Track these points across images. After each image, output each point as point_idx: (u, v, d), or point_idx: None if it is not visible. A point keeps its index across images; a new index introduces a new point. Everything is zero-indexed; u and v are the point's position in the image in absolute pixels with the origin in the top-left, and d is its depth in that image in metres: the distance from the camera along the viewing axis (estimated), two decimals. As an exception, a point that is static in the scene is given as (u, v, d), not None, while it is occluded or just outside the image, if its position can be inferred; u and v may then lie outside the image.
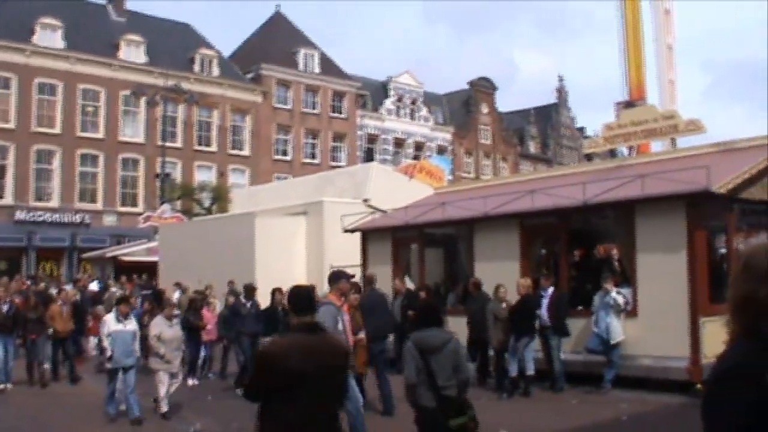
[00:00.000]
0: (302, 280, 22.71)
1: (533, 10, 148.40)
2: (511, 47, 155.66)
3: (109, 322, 13.97)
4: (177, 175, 53.94)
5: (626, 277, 16.84)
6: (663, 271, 15.74)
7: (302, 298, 5.76)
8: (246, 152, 59.08)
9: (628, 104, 49.00)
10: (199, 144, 56.78)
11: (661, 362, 15.47)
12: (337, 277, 11.19)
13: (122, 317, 13.86)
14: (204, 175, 55.75)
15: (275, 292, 17.46)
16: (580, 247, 20.12)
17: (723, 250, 17.35)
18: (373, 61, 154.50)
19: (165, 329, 14.37)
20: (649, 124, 22.69)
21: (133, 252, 43.58)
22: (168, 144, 49.11)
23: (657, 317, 15.68)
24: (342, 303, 11.22)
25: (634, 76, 56.10)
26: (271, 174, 58.21)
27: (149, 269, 36.40)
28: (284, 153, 61.58)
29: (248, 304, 18.76)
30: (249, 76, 60.73)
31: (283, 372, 5.19)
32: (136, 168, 53.57)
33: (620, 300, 15.82)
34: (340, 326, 10.55)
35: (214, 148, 57.38)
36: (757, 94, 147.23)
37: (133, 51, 54.30)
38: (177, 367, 14.73)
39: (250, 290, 19.13)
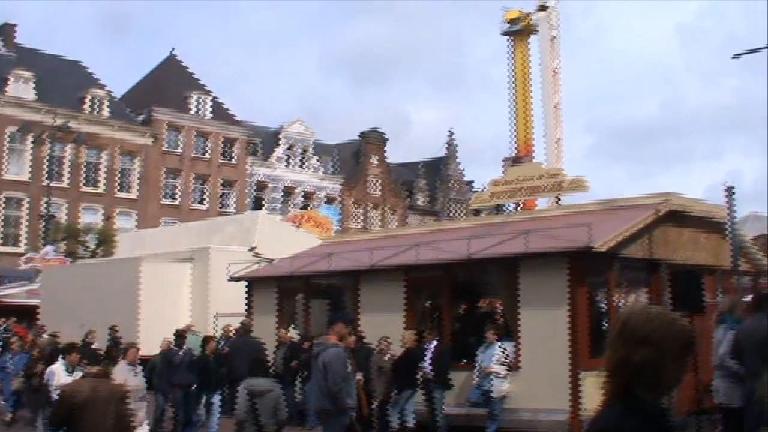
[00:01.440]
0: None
1: (429, 67, 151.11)
2: (405, 101, 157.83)
3: (59, 373, 12.57)
4: (62, 216, 52.63)
5: (509, 331, 17.08)
6: (545, 325, 16.04)
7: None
8: (134, 195, 58.14)
9: (516, 160, 50.13)
10: (86, 185, 55.63)
11: (542, 415, 15.70)
12: (334, 319, 11.08)
13: (71, 368, 12.43)
14: (90, 217, 54.53)
15: (207, 340, 17.11)
16: (464, 300, 20.34)
17: (603, 306, 17.81)
18: (267, 108, 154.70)
19: (129, 377, 12.66)
20: (534, 181, 23.15)
21: (12, 294, 42.18)
22: (54, 184, 47.87)
23: (538, 371, 15.94)
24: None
25: (522, 133, 57.44)
26: (158, 218, 57.41)
27: (29, 312, 35.30)
28: (173, 197, 60.84)
29: (180, 352, 17.08)
30: (140, 118, 59.99)
31: (72, 407, 7.28)
32: (20, 207, 52.16)
33: (503, 353, 16.03)
34: (349, 368, 10.54)
35: (101, 189, 56.30)
36: (635, 155, 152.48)
37: (21, 87, 53.09)
38: (142, 419, 12.72)
39: (181, 336, 17.59)
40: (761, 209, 37.26)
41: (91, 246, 47.26)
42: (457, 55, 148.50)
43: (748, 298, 13.71)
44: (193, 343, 19.05)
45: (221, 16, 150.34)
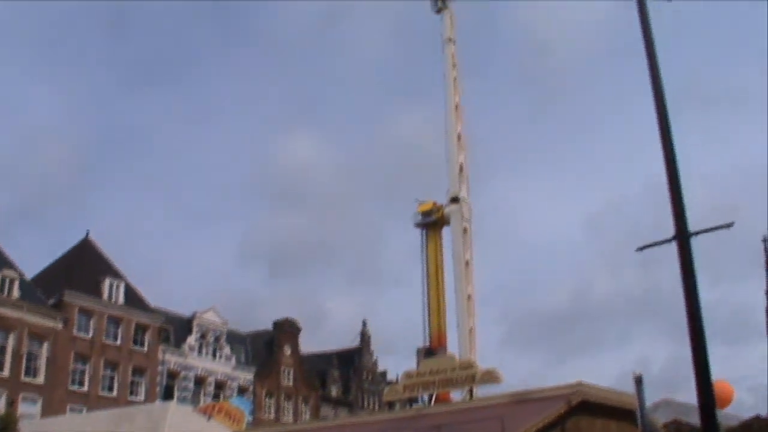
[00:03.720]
0: None
1: (345, 260, 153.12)
2: (320, 292, 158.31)
3: None
4: (-38, 400, 50.67)
5: None
6: None
7: None
8: (40, 380, 56.29)
9: (429, 351, 50.17)
10: (-9, 368, 53.88)
11: None
12: None
13: None
14: (-9, 403, 52.54)
15: None
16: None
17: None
18: (181, 296, 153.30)
19: None
20: (447, 373, 23.46)
21: None
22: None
23: None
24: None
25: (435, 323, 57.63)
26: (65, 405, 55.61)
27: None
28: (81, 383, 59.08)
29: None
30: (51, 301, 58.93)
31: None
32: None
33: None
34: None
35: (5, 373, 54.45)
36: (548, 344, 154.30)
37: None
38: None
39: None
40: (671, 395, 38.00)
41: (-9, 434, 45.45)
42: (373, 249, 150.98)
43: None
44: None
45: (138, 200, 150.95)
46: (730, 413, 30.68)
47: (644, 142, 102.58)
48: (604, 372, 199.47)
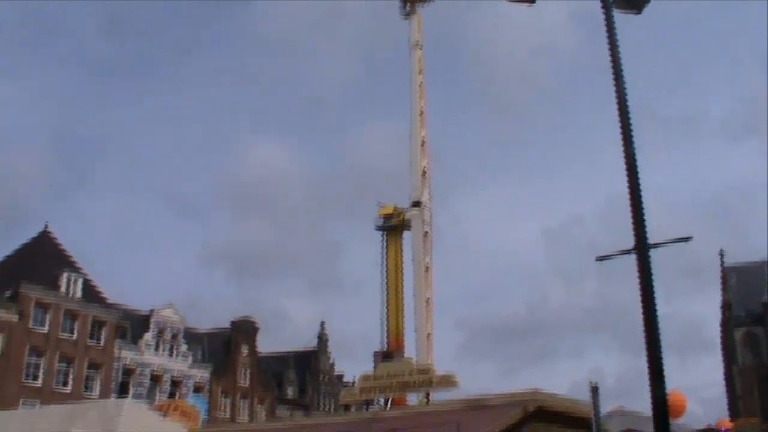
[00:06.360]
0: None
1: (307, 266, 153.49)
2: (281, 295, 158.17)
3: None
4: None
5: None
6: None
7: None
8: (-7, 373, 55.62)
9: (386, 355, 50.33)
10: (-59, 361, 53.18)
11: None
12: None
13: None
14: (-59, 396, 51.85)
15: None
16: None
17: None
18: (141, 292, 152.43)
19: None
20: (404, 377, 23.50)
21: None
22: None
23: None
24: None
25: (393, 327, 57.82)
26: (18, 399, 54.92)
27: None
28: (35, 377, 58.41)
29: None
30: (7, 293, 58.20)
31: None
32: None
33: None
34: None
35: (-43, 366, 53.84)
36: (504, 352, 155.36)
37: None
38: None
39: None
40: (625, 405, 38.40)
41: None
42: (335, 258, 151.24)
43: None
44: None
45: (101, 197, 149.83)
46: (681, 424, 31.05)
47: (605, 161, 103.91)
48: (558, 382, 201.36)
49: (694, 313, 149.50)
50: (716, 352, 79.73)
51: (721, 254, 78.80)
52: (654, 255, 11.49)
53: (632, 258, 11.56)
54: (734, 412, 67.73)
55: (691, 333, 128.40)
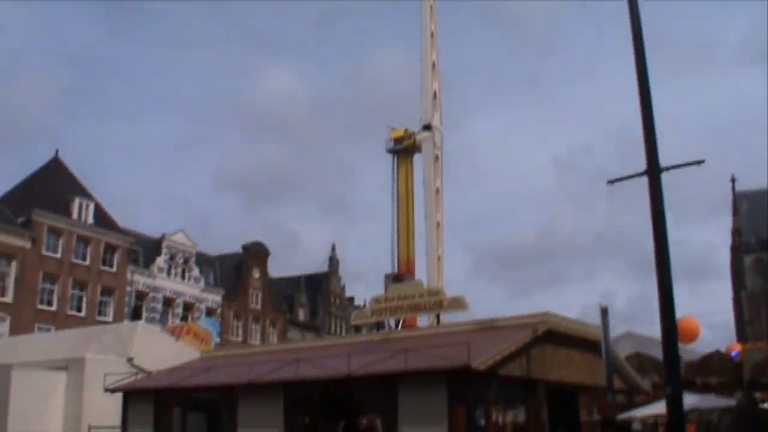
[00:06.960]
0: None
1: (319, 190, 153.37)
2: (293, 219, 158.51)
3: None
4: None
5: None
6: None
7: None
8: (8, 299, 56.11)
9: (397, 277, 50.53)
10: (-43, 286, 53.72)
11: None
12: None
13: None
14: (-40, 321, 52.49)
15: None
16: (343, 417, 20.40)
17: (482, 422, 18.09)
18: (153, 218, 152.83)
19: None
20: (415, 299, 23.63)
21: None
22: None
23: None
24: None
25: (404, 250, 58.02)
26: (33, 324, 55.64)
27: None
28: (49, 303, 59.01)
29: None
30: (20, 220, 58.48)
31: None
32: None
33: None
34: None
35: (-27, 292, 54.41)
36: (514, 276, 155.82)
37: None
38: None
39: None
40: (634, 328, 38.68)
41: (-41, 351, 45.48)
42: (347, 182, 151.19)
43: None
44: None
45: (113, 121, 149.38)
46: (689, 348, 31.29)
47: (618, 87, 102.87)
48: (569, 306, 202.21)
49: (705, 239, 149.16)
50: (725, 278, 79.96)
51: (733, 180, 78.47)
52: (667, 180, 11.45)
53: (643, 184, 11.53)
54: (742, 336, 68.09)
55: (701, 259, 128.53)
